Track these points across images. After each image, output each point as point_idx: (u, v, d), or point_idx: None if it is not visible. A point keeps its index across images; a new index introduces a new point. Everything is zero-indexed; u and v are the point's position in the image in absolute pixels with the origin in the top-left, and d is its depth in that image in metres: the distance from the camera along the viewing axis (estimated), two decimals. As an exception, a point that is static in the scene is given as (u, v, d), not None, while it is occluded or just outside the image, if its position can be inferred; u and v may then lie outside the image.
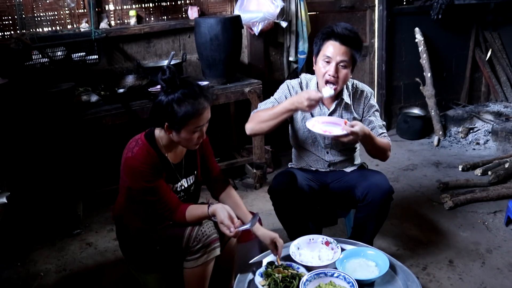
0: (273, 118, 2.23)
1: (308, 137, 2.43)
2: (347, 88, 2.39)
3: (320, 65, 2.26)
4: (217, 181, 2.23)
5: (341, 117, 2.38)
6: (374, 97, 2.49)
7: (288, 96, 2.40)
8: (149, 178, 1.92)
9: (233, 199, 2.19)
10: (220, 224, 1.92)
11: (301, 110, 2.17)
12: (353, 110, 2.41)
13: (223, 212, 1.92)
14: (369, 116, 2.41)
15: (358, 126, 2.10)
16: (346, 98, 2.37)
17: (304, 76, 2.47)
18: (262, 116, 2.28)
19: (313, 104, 2.11)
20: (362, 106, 2.42)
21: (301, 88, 2.42)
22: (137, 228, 2.03)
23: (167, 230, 2.00)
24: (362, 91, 2.42)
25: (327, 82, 2.25)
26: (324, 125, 2.20)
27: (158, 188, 1.94)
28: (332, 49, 2.21)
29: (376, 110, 2.44)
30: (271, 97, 2.45)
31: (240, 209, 2.14)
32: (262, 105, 2.43)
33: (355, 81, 2.46)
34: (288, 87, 2.44)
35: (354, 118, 2.40)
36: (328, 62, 2.23)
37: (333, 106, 2.38)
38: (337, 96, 2.36)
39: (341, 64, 2.22)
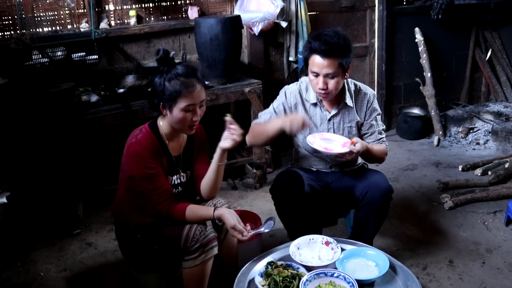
0: (266, 135, 2.30)
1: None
2: (349, 90, 2.38)
3: (310, 76, 2.27)
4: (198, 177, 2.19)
5: (343, 120, 2.39)
6: (376, 98, 2.48)
7: (285, 104, 2.41)
8: (150, 165, 1.96)
9: (207, 174, 2.14)
10: (231, 229, 1.94)
11: (288, 131, 2.18)
12: (355, 112, 2.39)
13: (232, 217, 1.94)
14: (371, 120, 2.41)
15: (359, 144, 2.13)
16: (348, 101, 2.36)
17: (304, 79, 2.45)
18: (256, 131, 2.37)
19: (299, 126, 2.11)
20: (365, 109, 2.41)
21: (300, 94, 2.41)
22: (135, 225, 2.04)
23: (166, 230, 2.00)
24: (365, 94, 2.41)
25: (319, 93, 2.28)
26: (323, 141, 2.23)
27: (157, 176, 1.98)
28: (316, 64, 2.20)
29: (378, 114, 2.44)
30: (271, 105, 2.46)
31: (212, 163, 2.11)
32: (261, 115, 2.47)
33: (358, 83, 2.44)
34: (285, 94, 2.43)
35: (357, 122, 2.39)
36: (316, 76, 2.23)
37: (334, 110, 2.37)
38: (339, 99, 2.36)
39: (329, 76, 2.20)
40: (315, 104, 2.39)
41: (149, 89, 2.04)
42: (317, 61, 2.19)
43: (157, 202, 1.98)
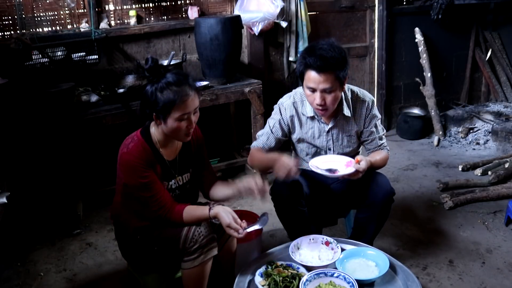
0: (262, 166, 2.31)
1: (309, 152, 2.42)
2: (346, 99, 2.32)
3: (306, 92, 2.19)
4: (209, 179, 2.22)
5: (342, 130, 2.35)
6: (375, 104, 2.43)
7: (282, 121, 2.35)
8: (143, 174, 1.93)
9: (222, 189, 2.16)
10: (226, 228, 1.92)
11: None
12: (353, 122, 2.35)
13: (227, 215, 1.92)
14: (371, 128, 2.37)
15: (364, 162, 2.11)
16: (346, 111, 2.30)
17: (298, 91, 2.37)
18: (254, 158, 2.35)
19: (285, 174, 2.07)
20: (364, 117, 2.35)
21: (295, 108, 2.34)
22: (134, 228, 2.03)
23: (165, 231, 2.00)
24: (363, 101, 2.35)
25: (317, 109, 2.22)
26: (326, 163, 2.20)
27: (152, 184, 1.95)
28: (313, 80, 2.12)
29: (378, 119, 2.40)
30: (267, 124, 2.40)
31: (231, 189, 2.11)
32: (259, 136, 2.41)
33: (355, 89, 2.37)
34: (280, 110, 2.36)
35: (356, 131, 2.36)
36: (313, 91, 2.15)
37: (332, 122, 2.32)
38: (337, 110, 2.29)
39: (326, 91, 2.13)
40: (312, 118, 2.33)
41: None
42: (313, 77, 2.11)
43: (155, 208, 1.96)
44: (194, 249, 1.92)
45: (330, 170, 2.15)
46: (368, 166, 2.15)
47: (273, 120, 2.38)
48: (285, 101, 2.37)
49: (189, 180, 2.16)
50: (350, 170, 2.12)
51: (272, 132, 2.37)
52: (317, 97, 2.14)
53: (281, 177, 2.09)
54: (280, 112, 2.36)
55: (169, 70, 1.95)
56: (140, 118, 2.04)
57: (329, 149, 2.37)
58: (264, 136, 2.38)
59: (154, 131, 2.01)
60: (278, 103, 2.40)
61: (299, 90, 2.38)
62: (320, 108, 2.18)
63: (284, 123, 2.36)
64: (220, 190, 2.17)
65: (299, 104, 2.34)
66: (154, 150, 1.99)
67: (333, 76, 2.10)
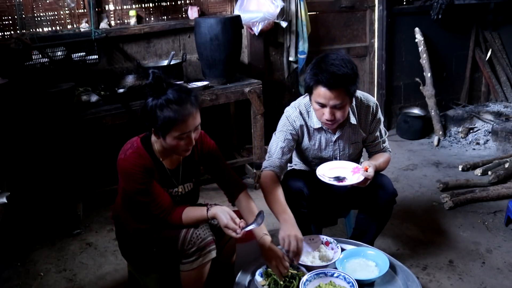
0: (267, 203, 2.17)
1: (313, 160, 2.40)
2: (351, 107, 2.27)
3: (315, 106, 2.14)
4: (230, 186, 2.15)
5: (349, 139, 2.32)
6: (379, 107, 2.39)
7: (293, 133, 2.27)
8: (140, 181, 1.89)
9: (246, 207, 2.09)
10: (224, 228, 1.90)
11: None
12: (359, 129, 2.32)
13: (225, 216, 1.89)
14: (376, 132, 2.36)
15: (371, 169, 2.10)
16: (352, 119, 2.27)
17: (301, 102, 2.31)
18: (264, 189, 2.19)
19: (288, 249, 1.96)
20: (369, 122, 2.33)
21: (304, 121, 2.29)
22: (134, 229, 2.03)
23: (164, 233, 1.99)
24: (368, 106, 2.31)
25: (325, 124, 2.19)
26: (332, 171, 2.17)
27: (150, 189, 1.92)
28: (323, 96, 2.06)
29: (381, 122, 2.39)
30: (277, 139, 2.29)
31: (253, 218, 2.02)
32: (272, 154, 2.28)
33: (359, 94, 2.31)
34: (290, 122, 2.28)
35: (362, 137, 2.35)
36: (322, 106, 2.10)
37: (339, 132, 2.29)
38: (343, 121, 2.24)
39: (336, 107, 2.08)
40: (319, 129, 2.30)
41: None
42: (323, 93, 2.05)
43: (156, 212, 1.95)
44: (192, 251, 1.91)
45: (338, 178, 2.13)
46: (375, 171, 2.15)
47: (284, 132, 2.29)
48: (292, 112, 2.31)
49: (191, 190, 2.12)
50: (359, 178, 2.09)
51: (285, 145, 2.28)
52: (326, 113, 2.10)
53: (282, 246, 2.00)
54: (291, 124, 2.29)
55: (172, 85, 1.85)
56: (140, 125, 1.98)
57: (335, 158, 2.35)
58: (278, 152, 2.27)
59: (155, 141, 1.96)
60: (285, 115, 2.33)
61: (302, 101, 2.33)
62: (330, 123, 2.15)
63: (296, 133, 2.30)
64: (243, 212, 2.08)
65: (305, 116, 2.30)
66: (154, 159, 1.95)
67: (344, 92, 2.06)
